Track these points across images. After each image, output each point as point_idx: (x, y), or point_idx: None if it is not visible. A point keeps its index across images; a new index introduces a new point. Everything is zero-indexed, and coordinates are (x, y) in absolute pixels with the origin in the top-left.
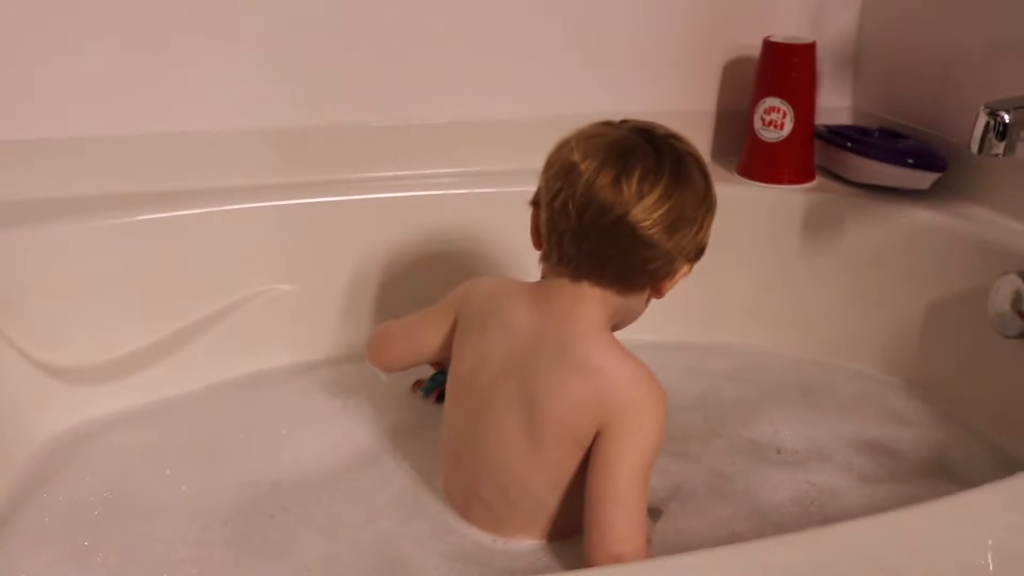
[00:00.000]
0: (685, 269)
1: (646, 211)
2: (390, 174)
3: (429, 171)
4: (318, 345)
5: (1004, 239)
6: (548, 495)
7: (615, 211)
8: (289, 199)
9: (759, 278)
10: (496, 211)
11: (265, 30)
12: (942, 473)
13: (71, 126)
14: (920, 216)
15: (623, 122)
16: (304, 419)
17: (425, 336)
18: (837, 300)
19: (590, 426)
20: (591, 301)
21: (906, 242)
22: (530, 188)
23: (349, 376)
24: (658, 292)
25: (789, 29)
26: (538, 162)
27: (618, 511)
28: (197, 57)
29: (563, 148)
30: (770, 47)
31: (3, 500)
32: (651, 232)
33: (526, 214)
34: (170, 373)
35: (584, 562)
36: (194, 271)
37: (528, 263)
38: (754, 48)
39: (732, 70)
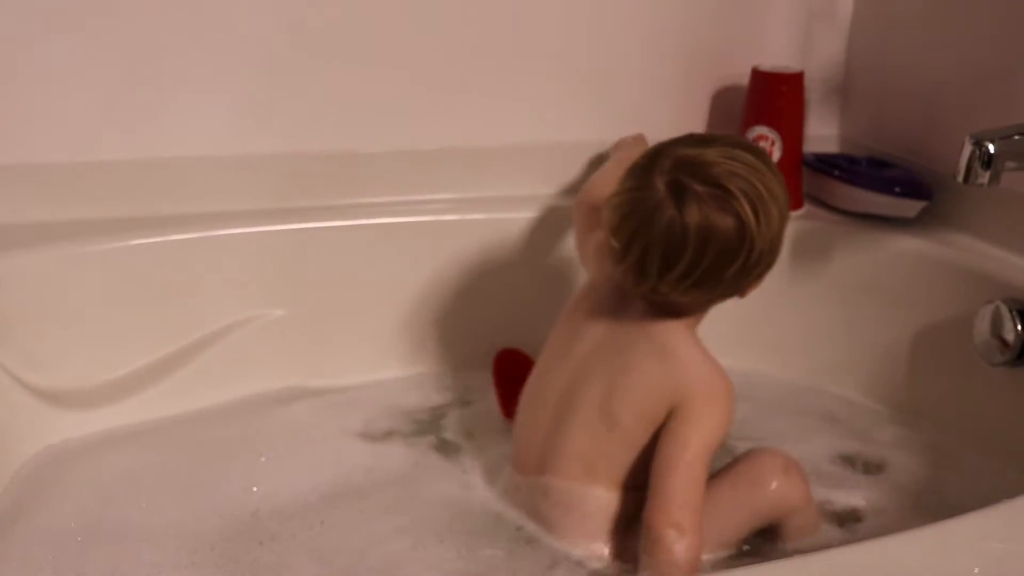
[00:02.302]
0: (755, 285)
1: (670, 285)
2: (382, 200)
3: (421, 197)
4: (309, 371)
5: (989, 267)
6: (625, 457)
7: (645, 286)
8: (281, 225)
9: (747, 304)
10: (488, 237)
11: (258, 57)
12: (929, 500)
13: (64, 151)
14: (907, 244)
15: (671, 148)
16: (298, 446)
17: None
18: (825, 326)
19: (663, 406)
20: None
21: (893, 270)
22: (522, 214)
23: (342, 403)
24: (740, 297)
25: (777, 59)
26: (529, 188)
27: (683, 480)
28: (190, 83)
29: (606, 204)
30: (758, 76)
31: None
32: (685, 300)
33: (518, 240)
34: (161, 398)
35: (643, 527)
36: (186, 296)
37: (520, 291)
38: (742, 77)
39: (721, 99)
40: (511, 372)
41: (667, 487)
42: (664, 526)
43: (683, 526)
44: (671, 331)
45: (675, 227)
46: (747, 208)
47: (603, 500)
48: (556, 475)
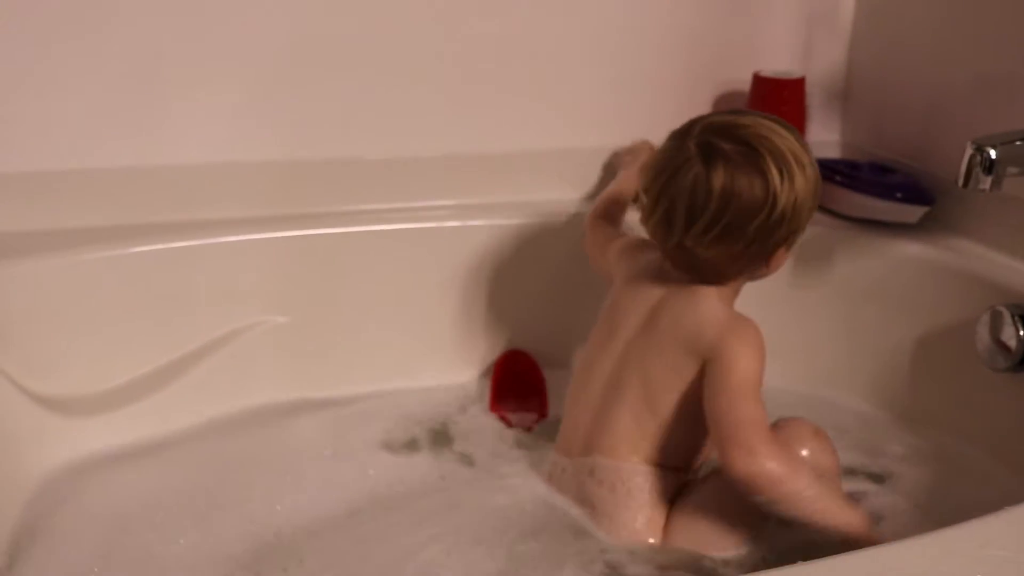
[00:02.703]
0: (780, 252)
1: (695, 238)
2: (384, 207)
3: (422, 204)
4: (312, 378)
5: (992, 273)
6: (665, 433)
7: (672, 240)
8: (284, 231)
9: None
10: (489, 244)
11: (259, 63)
12: (933, 506)
13: (65, 159)
14: (909, 249)
15: (705, 117)
16: (306, 458)
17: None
18: (827, 332)
19: (693, 358)
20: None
21: (895, 275)
22: (524, 221)
23: (352, 414)
24: (768, 269)
25: (779, 64)
26: (532, 195)
27: (733, 424)
28: (191, 90)
29: (641, 168)
30: (760, 82)
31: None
32: (710, 254)
33: (521, 247)
34: (165, 406)
35: (718, 456)
36: (188, 303)
37: (524, 297)
38: (744, 83)
39: (722, 104)
40: (511, 369)
41: (720, 424)
42: (735, 458)
43: (754, 448)
44: (706, 300)
45: (700, 182)
46: (772, 166)
47: (648, 477)
48: (603, 454)
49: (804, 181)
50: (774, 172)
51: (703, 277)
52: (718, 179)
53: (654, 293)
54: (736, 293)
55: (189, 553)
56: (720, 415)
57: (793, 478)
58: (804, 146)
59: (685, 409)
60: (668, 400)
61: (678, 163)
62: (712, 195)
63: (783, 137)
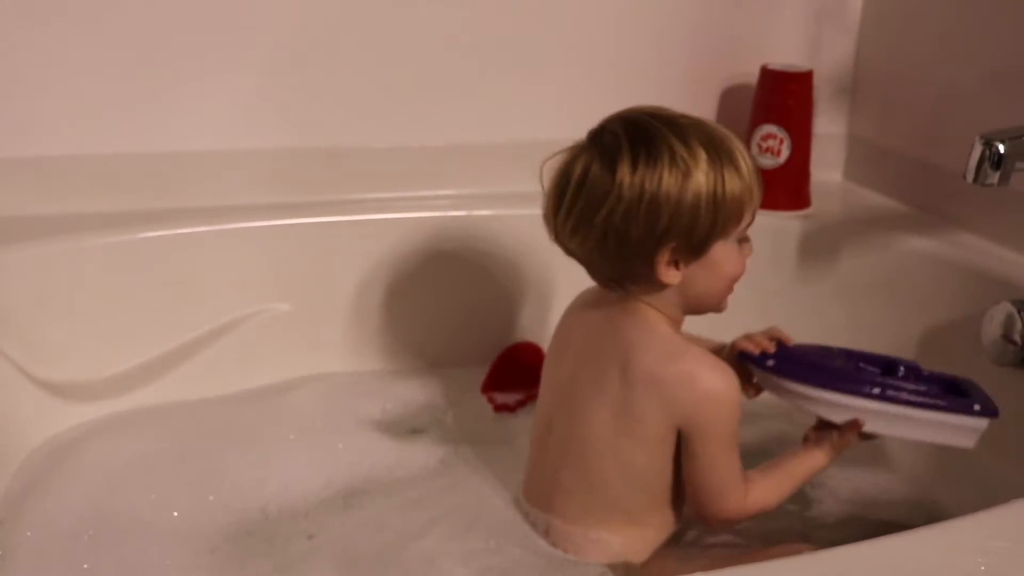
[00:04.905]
0: (661, 259)
1: (560, 228)
2: (388, 195)
3: (427, 193)
4: (314, 366)
5: (998, 268)
6: (624, 488)
7: (552, 234)
8: (288, 219)
9: (754, 304)
10: (493, 233)
11: (265, 51)
12: (936, 499)
13: (71, 144)
14: (915, 244)
15: (600, 130)
16: (299, 442)
17: None
18: (833, 327)
19: (668, 427)
20: (631, 305)
21: (901, 270)
22: (529, 211)
23: (346, 399)
24: (661, 280)
25: (787, 57)
26: (537, 185)
27: (714, 488)
28: (197, 77)
29: None
30: (768, 75)
31: None
32: (572, 246)
33: (522, 236)
34: (166, 391)
35: (690, 506)
36: (192, 290)
37: (527, 287)
38: (752, 75)
39: (729, 97)
40: (515, 357)
41: (702, 496)
42: (710, 516)
43: (730, 518)
44: (644, 333)
45: (563, 170)
46: (627, 156)
47: (605, 546)
48: (555, 514)
49: (675, 181)
50: (626, 162)
51: (606, 284)
52: (579, 164)
53: (596, 312)
54: (674, 320)
55: (177, 522)
56: (696, 479)
57: (767, 505)
58: (715, 151)
59: (639, 452)
60: (612, 445)
61: (565, 163)
62: (571, 180)
63: (678, 133)
